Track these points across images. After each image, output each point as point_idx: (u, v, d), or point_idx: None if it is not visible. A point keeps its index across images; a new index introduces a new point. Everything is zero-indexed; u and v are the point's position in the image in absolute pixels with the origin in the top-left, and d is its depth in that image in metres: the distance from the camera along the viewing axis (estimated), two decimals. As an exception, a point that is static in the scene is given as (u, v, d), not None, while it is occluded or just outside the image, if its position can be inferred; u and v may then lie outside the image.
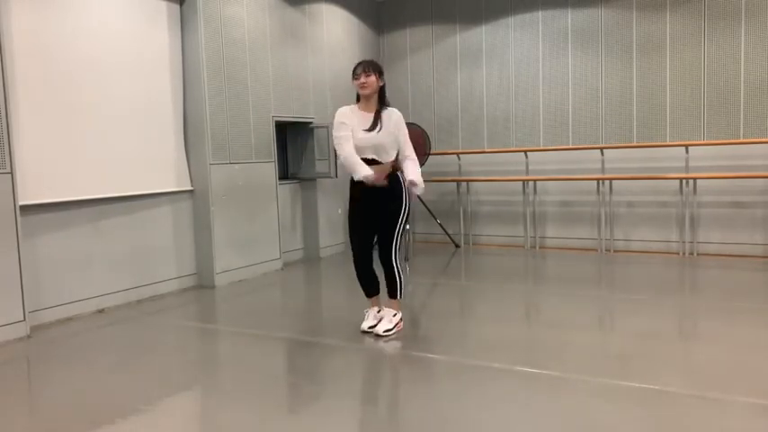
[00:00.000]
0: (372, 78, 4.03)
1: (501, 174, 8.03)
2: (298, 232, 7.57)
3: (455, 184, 8.26)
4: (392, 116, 4.11)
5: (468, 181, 8.18)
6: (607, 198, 7.35)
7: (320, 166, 7.44)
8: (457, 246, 8.15)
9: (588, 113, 7.51)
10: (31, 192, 4.68)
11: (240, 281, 6.33)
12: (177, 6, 5.99)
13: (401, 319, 4.34)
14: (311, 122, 7.44)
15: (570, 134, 7.63)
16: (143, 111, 5.64)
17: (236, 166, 6.34)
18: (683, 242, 7.03)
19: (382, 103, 4.15)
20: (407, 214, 4.26)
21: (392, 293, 4.30)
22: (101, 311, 5.22)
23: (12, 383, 3.75)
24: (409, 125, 4.42)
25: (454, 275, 6.98)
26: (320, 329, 4.68)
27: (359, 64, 4.11)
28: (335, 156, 7.08)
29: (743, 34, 6.65)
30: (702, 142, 6.87)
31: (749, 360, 3.64)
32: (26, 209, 4.60)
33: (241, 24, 6.39)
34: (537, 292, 5.95)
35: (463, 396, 3.22)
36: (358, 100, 4.15)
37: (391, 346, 4.08)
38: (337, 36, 7.90)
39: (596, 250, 7.43)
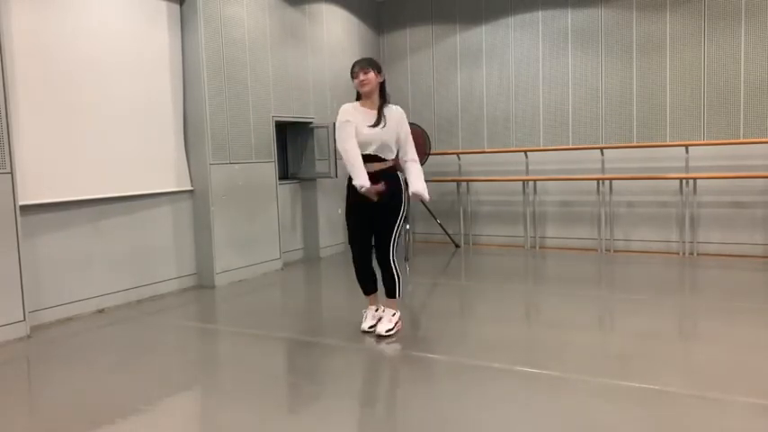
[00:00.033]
0: (371, 75, 4.03)
1: (501, 174, 8.03)
2: (298, 232, 7.57)
3: (455, 184, 8.26)
4: (395, 112, 4.11)
5: (468, 181, 8.18)
6: (607, 198, 7.35)
7: (320, 166, 7.44)
8: (457, 246, 8.15)
9: (588, 113, 7.51)
10: (31, 192, 4.68)
11: (240, 281, 6.33)
12: (177, 6, 5.99)
13: (400, 318, 4.34)
14: (311, 122, 7.44)
15: (570, 134, 7.63)
16: (143, 111, 5.64)
17: (236, 166, 6.34)
18: (683, 242, 7.03)
19: (384, 98, 4.14)
20: (405, 215, 4.25)
21: (391, 293, 4.28)
22: (101, 311, 5.22)
23: (12, 383, 3.75)
24: (409, 125, 4.41)
25: (454, 275, 6.98)
26: (320, 329, 4.68)
27: (356, 63, 4.11)
28: (336, 155, 7.14)
29: (743, 34, 6.65)
30: (702, 142, 6.87)
31: (749, 360, 3.64)
32: (26, 209, 4.61)
33: (241, 24, 6.39)
34: (537, 292, 5.95)
35: (463, 396, 3.22)
36: (358, 98, 4.14)
37: (391, 347, 4.08)
38: (337, 36, 7.90)
39: (596, 250, 7.44)
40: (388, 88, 4.23)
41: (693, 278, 6.32)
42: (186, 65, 6.04)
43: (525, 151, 7.82)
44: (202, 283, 6.14)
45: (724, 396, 3.09)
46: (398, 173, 4.21)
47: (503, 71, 7.99)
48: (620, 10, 7.24)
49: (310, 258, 7.57)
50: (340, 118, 4.05)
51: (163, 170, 5.88)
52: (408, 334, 4.41)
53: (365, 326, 4.35)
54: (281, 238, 6.96)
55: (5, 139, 4.34)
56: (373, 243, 4.27)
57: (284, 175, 7.48)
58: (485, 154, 8.14)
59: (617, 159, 7.37)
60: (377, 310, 4.38)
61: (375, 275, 4.36)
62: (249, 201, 6.50)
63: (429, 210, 8.10)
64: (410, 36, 8.61)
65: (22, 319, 4.46)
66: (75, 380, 3.67)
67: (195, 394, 3.58)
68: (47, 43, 4.86)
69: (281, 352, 4.30)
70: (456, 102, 8.33)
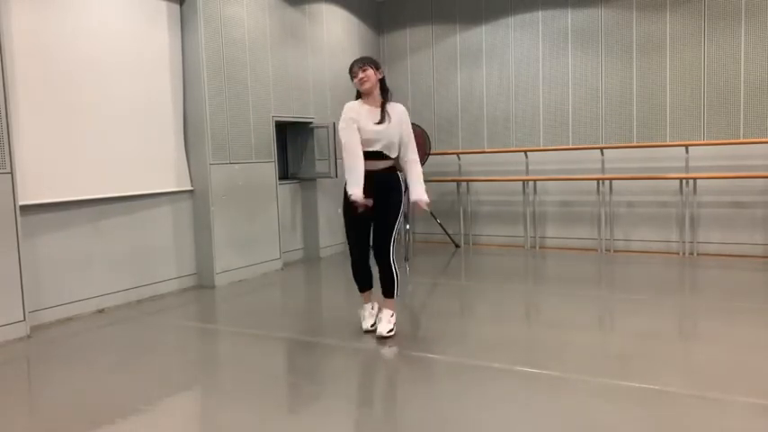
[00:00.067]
0: (370, 72, 4.01)
1: (501, 174, 8.03)
2: (298, 232, 7.57)
3: (455, 184, 8.26)
4: (398, 109, 4.10)
5: (468, 181, 8.18)
6: (607, 198, 7.35)
7: (320, 166, 7.44)
8: (457, 246, 8.16)
9: (588, 113, 7.51)
10: (31, 192, 4.68)
11: (240, 281, 6.33)
12: (177, 6, 5.99)
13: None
14: (311, 122, 7.44)
15: (570, 134, 7.63)
16: (143, 111, 5.64)
17: (236, 166, 6.34)
18: (683, 242, 7.03)
19: (386, 95, 4.12)
20: (405, 214, 4.25)
21: (389, 293, 4.23)
22: (101, 311, 5.22)
23: (12, 383, 3.75)
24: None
25: (454, 275, 6.98)
26: (320, 329, 4.68)
27: (353, 62, 4.09)
28: (335, 155, 7.14)
29: (743, 34, 6.65)
30: (702, 142, 6.87)
31: (749, 360, 3.64)
32: (26, 209, 4.61)
33: (241, 24, 6.39)
34: (537, 292, 5.95)
35: (463, 396, 3.22)
36: (358, 98, 4.12)
37: (391, 347, 4.07)
38: (337, 36, 7.90)
39: (596, 250, 7.44)
40: (388, 85, 4.20)
41: (693, 278, 6.32)
42: (186, 65, 6.04)
43: (525, 151, 7.82)
44: (202, 283, 6.14)
45: (724, 396, 3.09)
46: (398, 172, 4.20)
47: (503, 71, 7.99)
48: (620, 10, 7.24)
49: (310, 258, 7.57)
50: (345, 115, 4.01)
51: (163, 170, 5.88)
52: (408, 334, 4.41)
53: (366, 325, 4.34)
54: (281, 238, 6.96)
55: (5, 139, 4.34)
56: (372, 242, 4.25)
57: (284, 175, 7.48)
58: (485, 154, 8.14)
59: (617, 159, 7.37)
60: (372, 308, 4.38)
61: (371, 273, 4.35)
62: (249, 201, 6.50)
63: (429, 210, 8.09)
64: (410, 36, 8.61)
65: (22, 319, 4.46)
66: (75, 380, 3.67)
67: (195, 394, 3.58)
68: (47, 43, 4.86)
69: (281, 352, 4.30)
70: (456, 102, 8.33)
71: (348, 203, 4.06)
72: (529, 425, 2.90)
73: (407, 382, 3.59)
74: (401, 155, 4.16)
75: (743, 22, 6.64)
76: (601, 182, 7.33)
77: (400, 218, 4.19)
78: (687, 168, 7.00)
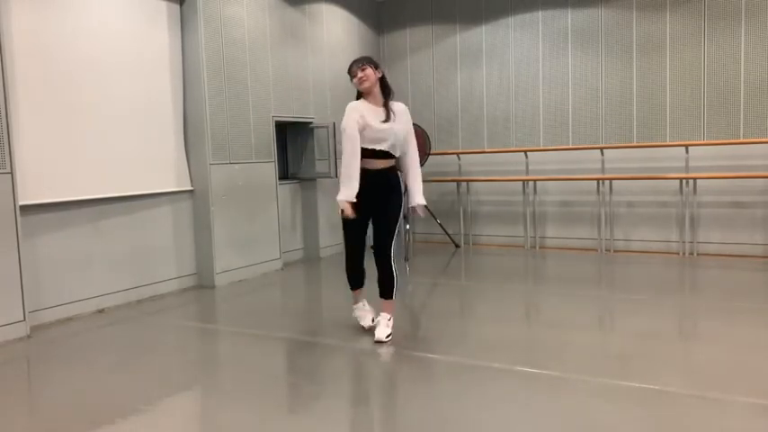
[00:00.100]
0: (369, 71, 3.96)
1: (501, 174, 8.03)
2: (298, 232, 7.57)
3: (455, 184, 8.26)
4: (400, 108, 4.08)
5: (468, 181, 8.18)
6: (607, 198, 7.35)
7: (320, 166, 7.44)
8: (457, 246, 8.16)
9: (588, 113, 7.51)
10: (31, 192, 4.68)
11: (240, 281, 6.33)
12: (177, 6, 5.99)
13: None
14: (311, 122, 7.44)
15: (570, 134, 7.63)
16: (143, 111, 5.64)
17: (236, 166, 6.34)
18: (683, 242, 7.03)
19: (388, 94, 4.08)
20: (405, 214, 4.24)
21: (388, 294, 4.19)
22: (101, 311, 5.22)
23: (12, 383, 3.75)
24: (409, 125, 4.40)
25: (454, 275, 6.98)
26: (320, 329, 4.68)
27: (352, 62, 4.05)
28: (336, 155, 7.14)
29: (743, 34, 6.65)
30: (702, 142, 6.87)
31: (749, 360, 3.64)
32: (26, 209, 4.61)
33: (241, 24, 6.39)
34: (537, 292, 5.95)
35: (463, 396, 3.22)
36: (358, 98, 4.08)
37: (391, 347, 4.07)
38: (337, 36, 7.90)
39: (596, 250, 7.43)
40: (389, 84, 4.15)
41: (693, 278, 6.32)
42: (186, 65, 6.04)
43: (525, 151, 7.82)
44: (202, 283, 6.14)
45: (724, 396, 3.09)
46: (399, 171, 4.19)
47: (503, 71, 7.99)
48: (620, 10, 7.24)
49: (310, 258, 7.57)
50: (349, 115, 3.93)
51: (163, 170, 5.88)
52: (408, 334, 4.42)
53: (367, 323, 4.35)
54: (281, 238, 6.96)
55: (5, 139, 4.34)
56: (373, 242, 4.23)
57: (284, 175, 7.48)
58: (485, 154, 8.14)
59: (617, 159, 7.37)
60: (364, 305, 4.41)
61: (365, 273, 4.33)
62: (249, 201, 6.50)
63: (429, 210, 8.10)
64: (410, 36, 8.61)
65: (22, 319, 4.46)
66: (75, 380, 3.67)
67: (195, 394, 3.58)
68: (47, 43, 4.86)
69: (281, 352, 4.30)
70: (456, 102, 8.33)
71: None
72: (529, 425, 2.90)
73: (407, 382, 3.59)
74: (401, 154, 4.15)
75: (743, 22, 6.64)
76: (601, 182, 7.33)
77: (401, 218, 4.18)
78: (687, 168, 7.00)
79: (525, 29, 7.81)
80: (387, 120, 3.98)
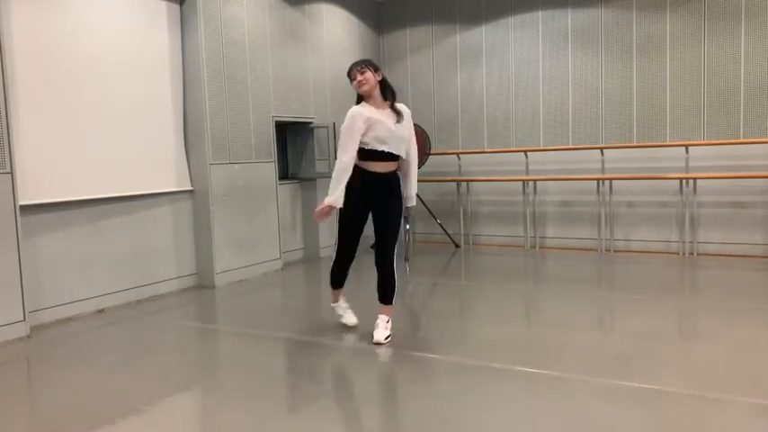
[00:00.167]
0: (368, 74, 3.93)
1: (501, 174, 8.03)
2: (298, 232, 7.57)
3: (455, 184, 8.26)
4: (405, 110, 4.06)
5: (468, 181, 8.18)
6: (607, 198, 7.35)
7: (320, 166, 7.45)
8: (457, 246, 8.15)
9: (588, 113, 7.51)
10: (31, 192, 4.68)
11: (240, 281, 6.33)
12: (177, 6, 5.99)
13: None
14: (311, 122, 7.45)
15: (570, 134, 7.63)
16: (143, 111, 5.64)
17: (236, 166, 6.34)
18: (683, 242, 7.03)
19: (393, 96, 4.05)
20: (405, 215, 4.24)
21: (388, 299, 4.17)
22: (101, 311, 5.22)
23: (12, 383, 3.75)
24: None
25: (454, 275, 6.98)
26: (320, 329, 4.67)
27: (351, 65, 4.03)
28: (336, 155, 7.12)
29: (743, 34, 6.65)
30: (702, 142, 6.87)
31: (749, 360, 3.64)
32: (26, 209, 4.60)
33: (241, 24, 6.39)
34: (537, 292, 5.95)
35: (463, 396, 3.22)
36: (358, 102, 4.05)
37: (391, 347, 4.07)
38: (337, 36, 7.90)
39: (596, 250, 7.44)
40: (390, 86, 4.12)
41: (693, 278, 6.32)
42: (186, 65, 6.04)
43: (525, 151, 7.82)
44: (202, 283, 6.14)
45: (724, 396, 3.09)
46: (399, 172, 4.19)
47: (503, 71, 7.99)
48: (620, 10, 7.24)
49: (310, 258, 7.57)
50: (355, 118, 3.87)
51: (163, 170, 5.88)
52: (408, 334, 4.42)
53: (352, 320, 4.41)
54: (281, 238, 6.96)
55: (5, 139, 4.34)
56: (376, 245, 4.19)
57: (284, 175, 7.48)
58: (485, 154, 8.14)
59: (617, 159, 7.37)
60: (344, 303, 4.46)
61: (348, 273, 4.35)
62: (249, 201, 6.50)
63: (429, 210, 8.10)
64: (410, 36, 8.61)
65: (22, 319, 4.46)
66: (75, 380, 3.67)
67: (195, 394, 3.58)
68: (47, 43, 4.86)
69: (281, 352, 4.30)
70: (456, 102, 8.33)
71: (356, 199, 4.00)
72: (529, 425, 2.90)
73: (407, 382, 3.58)
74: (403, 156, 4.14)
75: (743, 22, 6.64)
76: (601, 182, 7.33)
77: (402, 219, 4.18)
78: (687, 168, 7.00)
79: (525, 29, 7.81)
80: (398, 122, 3.97)
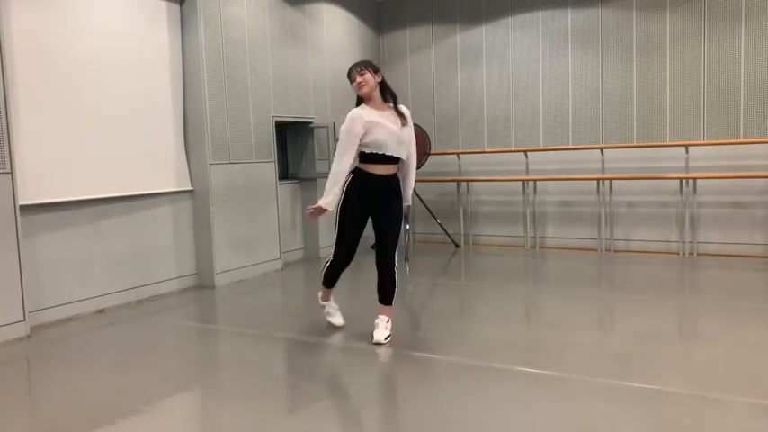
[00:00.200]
0: (368, 76, 3.92)
1: (501, 174, 8.03)
2: (298, 232, 7.57)
3: (455, 184, 8.26)
4: (406, 112, 4.06)
5: (468, 181, 8.18)
6: (607, 198, 7.35)
7: (320, 166, 7.44)
8: (457, 246, 8.15)
9: (588, 113, 7.51)
10: (31, 192, 4.68)
11: (240, 281, 6.33)
12: (177, 6, 5.99)
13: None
14: (311, 122, 7.45)
15: (570, 134, 7.63)
16: (143, 111, 5.64)
17: (236, 166, 6.34)
18: (683, 242, 7.03)
19: (395, 99, 4.04)
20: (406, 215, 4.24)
21: (388, 300, 4.17)
22: (101, 311, 5.22)
23: (12, 383, 3.75)
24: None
25: (454, 275, 6.98)
26: (320, 329, 4.67)
27: (351, 67, 4.01)
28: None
29: (743, 34, 6.65)
30: (702, 142, 6.87)
31: (749, 360, 3.64)
32: (26, 209, 4.60)
33: (241, 24, 6.39)
34: (537, 292, 5.95)
35: (463, 396, 3.22)
36: (358, 104, 4.04)
37: (391, 347, 4.07)
38: (337, 36, 7.90)
39: (596, 250, 7.43)
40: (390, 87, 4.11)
41: (693, 278, 6.32)
42: (186, 65, 6.04)
43: (525, 151, 7.82)
44: (202, 283, 6.14)
45: (724, 396, 3.09)
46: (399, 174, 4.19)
47: (503, 71, 7.99)
48: (620, 10, 7.24)
49: (310, 258, 7.57)
50: (355, 121, 3.86)
51: (163, 170, 5.88)
52: (408, 334, 4.42)
53: (340, 322, 4.42)
54: (281, 238, 6.96)
55: (5, 139, 4.34)
56: (377, 247, 4.18)
57: (284, 175, 7.48)
58: (485, 154, 8.14)
59: (617, 159, 7.37)
60: (334, 303, 4.48)
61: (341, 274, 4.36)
62: (249, 201, 6.50)
63: (429, 210, 8.10)
64: (410, 36, 8.61)
65: (22, 319, 4.46)
66: (75, 380, 3.67)
67: (195, 394, 3.58)
68: (47, 43, 4.86)
69: (281, 352, 4.30)
70: (456, 102, 8.33)
71: (356, 200, 4.00)
72: (529, 425, 2.90)
73: (407, 382, 3.58)
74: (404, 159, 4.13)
75: (743, 22, 6.64)
76: (601, 182, 7.33)
77: (403, 220, 4.18)
78: (687, 168, 7.00)
79: (525, 29, 7.81)
80: (404, 125, 3.98)
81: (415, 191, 7.70)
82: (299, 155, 7.63)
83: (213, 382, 3.70)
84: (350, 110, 4.00)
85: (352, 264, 4.28)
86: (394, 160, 4.00)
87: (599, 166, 7.47)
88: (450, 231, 8.22)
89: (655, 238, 7.23)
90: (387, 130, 3.90)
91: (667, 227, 7.17)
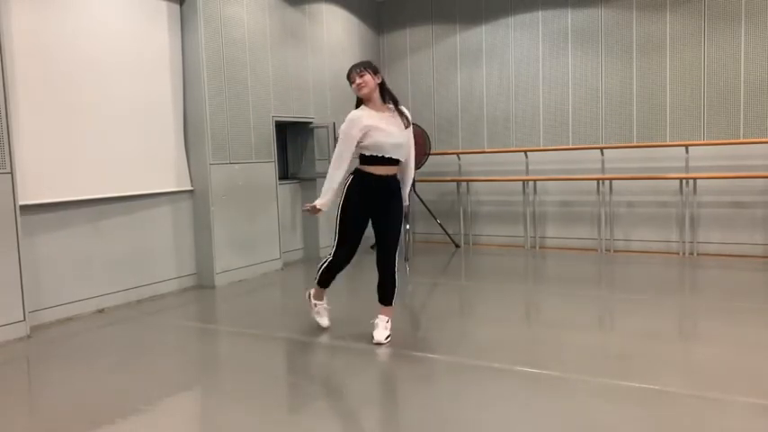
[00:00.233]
0: (367, 77, 3.92)
1: (501, 174, 8.03)
2: (298, 232, 7.57)
3: (455, 184, 8.26)
4: (406, 114, 4.07)
5: (468, 181, 8.18)
6: (607, 198, 7.35)
7: (320, 166, 7.44)
8: (457, 246, 8.15)
9: (588, 113, 7.51)
10: (31, 192, 4.68)
11: (240, 281, 6.33)
12: (177, 6, 5.99)
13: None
14: (311, 122, 7.44)
15: (570, 134, 7.63)
16: (143, 111, 5.64)
17: (236, 166, 6.34)
18: (683, 242, 7.03)
19: (396, 101, 4.04)
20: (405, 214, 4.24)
21: (389, 300, 4.17)
22: (101, 311, 5.22)
23: (12, 383, 3.75)
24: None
25: (454, 275, 6.98)
26: (320, 329, 4.68)
27: (351, 68, 4.01)
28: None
29: (743, 34, 6.65)
30: (702, 142, 6.87)
31: (749, 360, 3.64)
32: (26, 209, 4.60)
33: (241, 24, 6.39)
34: (537, 292, 5.95)
35: (463, 396, 3.22)
36: (358, 105, 4.04)
37: (391, 347, 4.07)
38: (337, 36, 7.90)
39: (596, 250, 7.43)
40: (389, 88, 4.10)
41: (693, 278, 6.32)
42: (186, 65, 6.04)
43: (525, 151, 7.82)
44: (202, 283, 6.14)
45: (724, 396, 3.09)
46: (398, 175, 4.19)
47: (503, 71, 7.99)
48: (620, 10, 7.24)
49: (310, 258, 7.56)
50: (353, 128, 3.87)
51: (163, 170, 5.88)
52: (408, 334, 4.42)
53: (326, 323, 4.42)
54: (281, 238, 6.96)
55: (5, 139, 4.34)
56: (378, 248, 4.17)
57: (284, 175, 7.48)
58: (485, 154, 8.14)
59: (617, 159, 7.37)
60: (326, 305, 4.46)
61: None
62: (249, 201, 6.50)
63: (429, 210, 8.10)
64: (410, 36, 8.61)
65: (22, 319, 4.46)
66: (75, 380, 3.67)
67: (195, 394, 3.58)
68: (47, 43, 4.86)
69: (281, 352, 4.30)
70: (456, 102, 8.33)
71: (357, 201, 4.00)
72: (529, 425, 2.90)
73: (407, 381, 3.58)
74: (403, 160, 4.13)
75: (743, 22, 6.64)
76: (601, 182, 7.33)
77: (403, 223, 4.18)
78: (687, 168, 7.00)
79: (525, 29, 7.81)
80: (407, 126, 4.00)
81: (415, 191, 7.81)
82: (299, 155, 7.63)
83: (213, 382, 3.70)
84: (350, 110, 4.02)
85: (353, 263, 4.28)
86: (393, 162, 4.00)
87: (599, 166, 7.47)
88: (450, 231, 8.22)
89: (655, 238, 7.23)
90: (386, 132, 3.90)
91: (667, 227, 7.18)
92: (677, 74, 7.00)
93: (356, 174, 4.03)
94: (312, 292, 4.49)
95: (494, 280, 6.42)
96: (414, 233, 8.37)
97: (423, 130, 7.67)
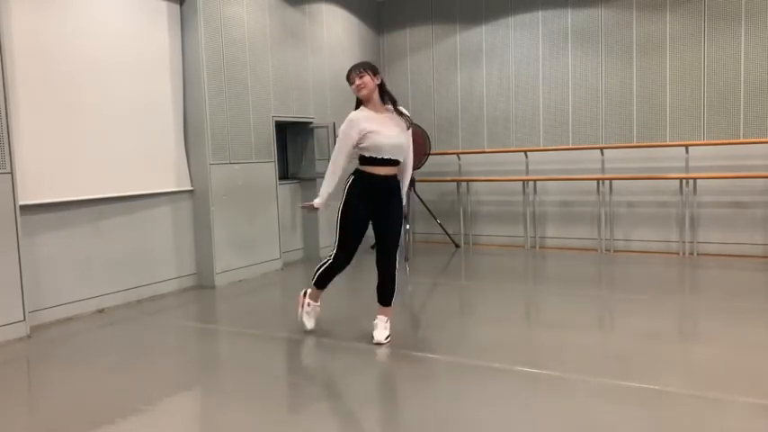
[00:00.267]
0: (366, 78, 3.93)
1: (501, 174, 8.03)
2: (298, 232, 7.57)
3: (455, 184, 8.26)
4: (405, 115, 4.07)
5: (468, 181, 8.17)
6: (607, 198, 7.35)
7: (320, 166, 7.43)
8: (457, 246, 8.15)
9: (588, 113, 7.51)
10: (31, 192, 4.68)
11: (240, 281, 6.33)
12: (177, 6, 5.99)
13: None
14: (311, 122, 7.45)
15: (570, 134, 7.63)
16: (143, 111, 5.64)
17: (236, 166, 6.34)
18: (683, 242, 7.03)
19: (395, 102, 4.04)
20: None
21: (388, 301, 4.17)
22: (101, 311, 5.22)
23: (12, 383, 3.75)
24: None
25: (454, 275, 6.98)
26: (320, 330, 4.68)
27: (350, 69, 4.01)
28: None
29: (743, 34, 6.65)
30: (702, 142, 6.87)
31: (749, 360, 3.64)
32: (26, 209, 4.60)
33: (241, 24, 6.39)
34: (537, 292, 5.95)
35: (463, 396, 3.22)
36: (357, 106, 4.04)
37: (391, 347, 4.07)
38: (337, 36, 7.90)
39: (596, 250, 7.43)
40: (388, 89, 4.10)
41: (693, 278, 6.32)
42: (186, 65, 6.04)
43: (525, 151, 7.82)
44: (202, 283, 6.14)
45: (724, 396, 3.09)
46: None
47: (503, 71, 7.99)
48: (620, 10, 7.24)
49: (310, 258, 7.56)
50: (355, 125, 3.88)
51: (163, 170, 5.88)
52: (408, 334, 4.42)
53: (312, 326, 4.40)
54: (281, 238, 6.96)
55: (5, 139, 4.34)
56: (379, 249, 4.17)
57: (284, 175, 7.48)
58: (485, 154, 8.14)
59: (617, 159, 7.37)
60: (318, 308, 4.45)
61: None
62: (249, 201, 6.50)
63: (429, 210, 8.10)
64: (410, 36, 8.61)
65: (22, 319, 4.46)
66: (75, 380, 3.67)
67: (195, 394, 3.58)
68: (47, 43, 4.86)
69: (281, 352, 4.30)
70: (456, 102, 8.33)
71: (349, 205, 4.02)
72: (529, 425, 2.90)
73: (407, 381, 3.58)
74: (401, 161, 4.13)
75: (743, 22, 6.64)
76: (601, 182, 7.33)
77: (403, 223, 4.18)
78: (687, 168, 7.00)
79: (525, 29, 7.81)
80: (409, 127, 4.02)
81: (415, 191, 7.81)
82: (299, 155, 7.63)
83: (213, 382, 3.70)
84: (350, 110, 4.03)
85: (352, 264, 4.28)
86: (393, 162, 4.00)
87: (599, 166, 7.47)
88: (450, 231, 8.22)
89: (655, 238, 7.23)
90: (384, 135, 3.91)
91: (667, 227, 7.17)
92: (677, 74, 7.00)
93: (356, 174, 4.04)
94: (307, 291, 4.50)
95: (494, 280, 6.42)
96: (414, 233, 8.37)
97: (423, 130, 7.67)
